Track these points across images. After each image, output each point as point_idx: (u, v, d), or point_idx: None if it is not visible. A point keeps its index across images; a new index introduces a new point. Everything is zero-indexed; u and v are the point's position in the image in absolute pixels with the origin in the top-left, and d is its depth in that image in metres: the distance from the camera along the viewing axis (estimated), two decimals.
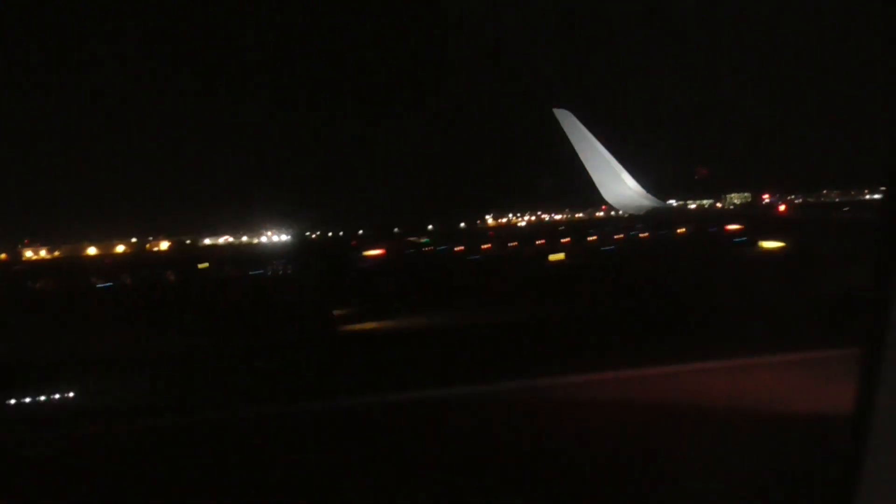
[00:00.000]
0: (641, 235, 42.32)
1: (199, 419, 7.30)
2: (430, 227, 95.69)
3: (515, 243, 45.97)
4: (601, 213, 65.06)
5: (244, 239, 76.66)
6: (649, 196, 29.89)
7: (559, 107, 31.12)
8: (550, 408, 6.53)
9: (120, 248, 66.01)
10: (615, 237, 42.95)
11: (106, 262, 54.40)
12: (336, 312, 21.74)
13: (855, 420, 1.84)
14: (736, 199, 38.71)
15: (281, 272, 40.40)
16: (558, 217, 75.28)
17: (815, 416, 5.71)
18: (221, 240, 74.48)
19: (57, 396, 11.18)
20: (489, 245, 47.14)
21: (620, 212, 36.09)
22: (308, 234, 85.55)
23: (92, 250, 63.53)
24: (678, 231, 38.30)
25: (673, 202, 31.16)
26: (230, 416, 7.53)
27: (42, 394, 11.22)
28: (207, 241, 72.60)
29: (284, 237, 78.67)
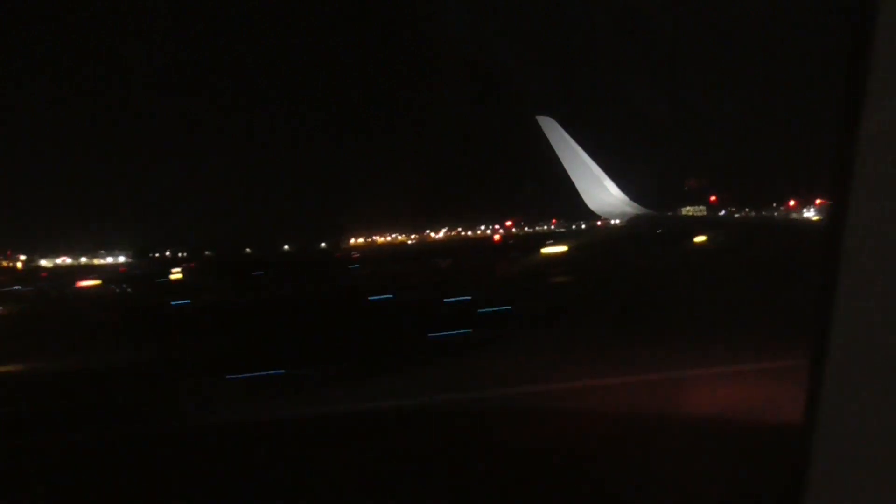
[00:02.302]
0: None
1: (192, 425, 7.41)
2: (285, 247, 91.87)
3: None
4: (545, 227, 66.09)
5: (83, 260, 67.84)
6: (632, 203, 31.10)
7: (542, 115, 31.51)
8: (538, 415, 6.99)
9: None
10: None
11: None
12: None
13: (802, 428, 1.87)
14: (691, 211, 41.71)
15: None
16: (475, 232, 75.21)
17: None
18: (59, 260, 65.14)
19: None
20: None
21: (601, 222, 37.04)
22: (155, 254, 77.96)
23: None
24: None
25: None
26: (225, 422, 7.57)
27: None
28: (44, 262, 62.91)
29: (122, 258, 71.01)
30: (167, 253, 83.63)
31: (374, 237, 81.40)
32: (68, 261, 64.85)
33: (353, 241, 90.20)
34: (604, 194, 31.09)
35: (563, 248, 36.62)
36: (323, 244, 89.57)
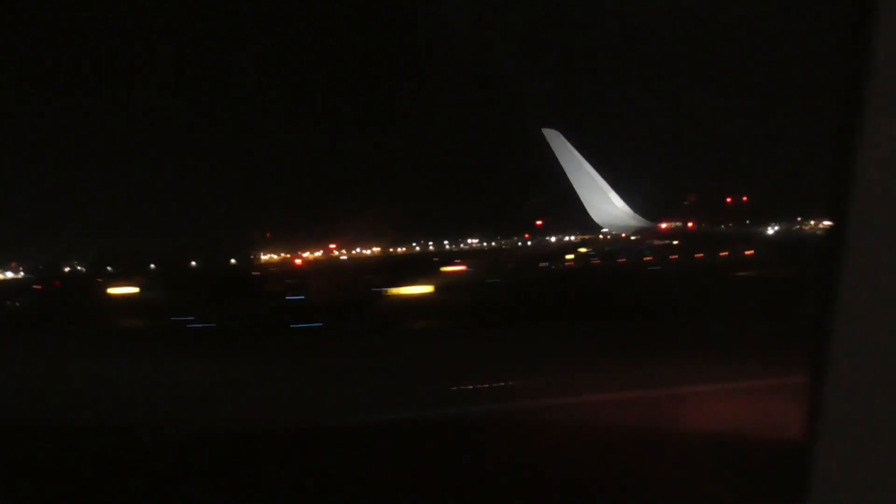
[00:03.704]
0: None
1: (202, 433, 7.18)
2: (192, 263, 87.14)
3: None
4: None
5: None
6: (636, 216, 31.46)
7: (548, 127, 31.31)
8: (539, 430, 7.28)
9: None
10: None
11: None
12: None
13: (803, 441, 1.92)
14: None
15: None
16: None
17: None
18: None
19: None
20: None
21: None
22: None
23: None
24: None
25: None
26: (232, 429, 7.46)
27: None
28: None
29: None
30: (78, 267, 77.02)
31: (300, 253, 77.80)
32: None
33: (270, 256, 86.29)
34: (608, 207, 31.33)
35: (134, 290, 37.78)
36: (233, 260, 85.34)
